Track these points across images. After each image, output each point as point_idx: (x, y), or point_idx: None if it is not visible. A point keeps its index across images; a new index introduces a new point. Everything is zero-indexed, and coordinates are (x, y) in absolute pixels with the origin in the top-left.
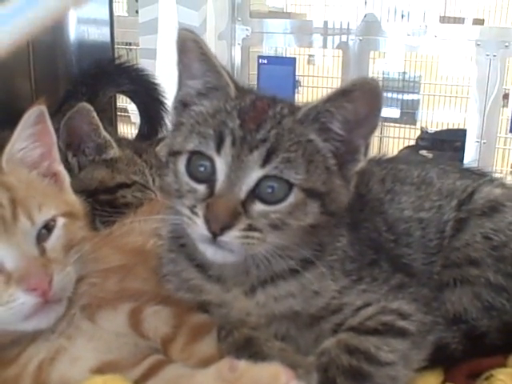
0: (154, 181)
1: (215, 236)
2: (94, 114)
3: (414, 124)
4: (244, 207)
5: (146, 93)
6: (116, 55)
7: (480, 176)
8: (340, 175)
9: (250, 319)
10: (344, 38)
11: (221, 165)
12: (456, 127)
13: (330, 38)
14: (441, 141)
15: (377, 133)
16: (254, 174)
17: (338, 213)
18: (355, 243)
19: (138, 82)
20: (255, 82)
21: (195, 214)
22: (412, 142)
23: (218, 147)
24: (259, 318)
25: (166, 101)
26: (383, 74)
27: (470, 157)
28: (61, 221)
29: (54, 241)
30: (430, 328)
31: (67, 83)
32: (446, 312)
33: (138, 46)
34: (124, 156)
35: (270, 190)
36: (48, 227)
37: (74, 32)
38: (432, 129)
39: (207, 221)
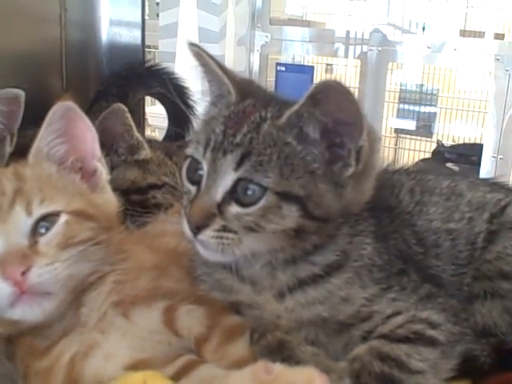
0: None
1: (195, 235)
2: (128, 115)
3: (430, 137)
4: (220, 209)
5: (175, 96)
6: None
7: (508, 191)
8: (328, 180)
9: (281, 322)
10: (364, 48)
11: (205, 168)
12: (472, 142)
13: (349, 48)
14: (458, 155)
15: (392, 144)
16: (229, 177)
17: (326, 218)
18: (383, 253)
19: (168, 85)
20: (273, 89)
21: (185, 213)
22: (427, 155)
23: (204, 152)
24: (289, 322)
25: (194, 105)
26: (401, 85)
27: (486, 172)
28: (63, 218)
29: (50, 236)
30: (458, 338)
31: (97, 83)
32: (476, 324)
33: (158, 48)
34: (155, 157)
35: (245, 193)
36: (50, 221)
37: (105, 33)
38: (448, 142)
39: (187, 220)
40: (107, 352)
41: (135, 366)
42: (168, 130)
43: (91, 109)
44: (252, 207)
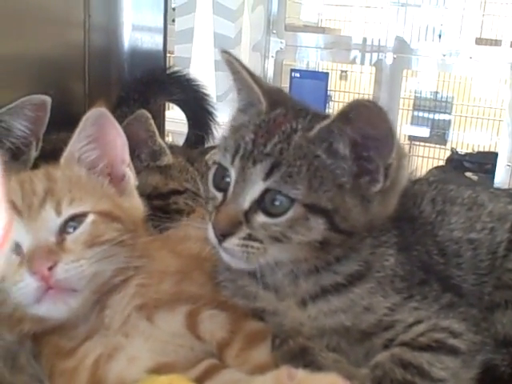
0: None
1: (220, 242)
2: (152, 121)
3: (444, 144)
4: (246, 217)
5: (195, 102)
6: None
7: None
8: (355, 194)
9: (304, 329)
10: (380, 55)
11: (233, 176)
12: (487, 150)
13: (365, 55)
14: (472, 163)
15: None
16: (257, 187)
17: (351, 232)
18: (405, 263)
19: (189, 91)
20: None
21: (210, 219)
22: (441, 163)
23: (233, 159)
24: (311, 330)
25: (214, 111)
26: (415, 92)
27: (500, 181)
28: (91, 217)
29: (77, 234)
30: (479, 348)
31: (119, 89)
32: (496, 333)
33: (173, 54)
34: (177, 163)
35: (273, 203)
36: (78, 221)
37: (128, 39)
38: (462, 150)
39: (213, 227)
40: (131, 355)
41: (158, 370)
42: (188, 136)
43: (113, 114)
44: (279, 218)
